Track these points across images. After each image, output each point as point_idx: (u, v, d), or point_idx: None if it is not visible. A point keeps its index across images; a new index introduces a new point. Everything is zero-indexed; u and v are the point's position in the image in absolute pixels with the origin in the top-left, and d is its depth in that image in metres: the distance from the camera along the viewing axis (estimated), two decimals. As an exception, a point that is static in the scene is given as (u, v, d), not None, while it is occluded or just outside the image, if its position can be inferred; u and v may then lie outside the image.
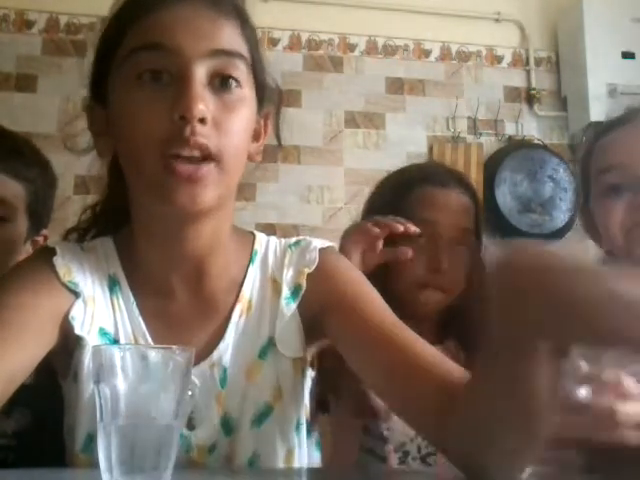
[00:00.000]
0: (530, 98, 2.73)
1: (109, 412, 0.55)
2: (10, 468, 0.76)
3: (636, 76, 2.46)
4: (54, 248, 0.76)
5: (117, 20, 0.72)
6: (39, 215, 1.11)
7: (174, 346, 0.56)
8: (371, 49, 2.70)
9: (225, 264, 0.77)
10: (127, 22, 0.70)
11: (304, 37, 2.66)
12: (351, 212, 2.54)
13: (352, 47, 2.69)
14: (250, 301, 0.78)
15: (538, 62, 2.78)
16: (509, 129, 2.69)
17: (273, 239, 0.85)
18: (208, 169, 0.66)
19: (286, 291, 0.78)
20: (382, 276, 1.03)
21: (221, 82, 0.69)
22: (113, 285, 0.76)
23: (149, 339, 0.74)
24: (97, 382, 0.56)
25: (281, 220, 2.50)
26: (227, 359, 0.75)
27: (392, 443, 0.98)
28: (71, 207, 2.36)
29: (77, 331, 0.72)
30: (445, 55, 2.74)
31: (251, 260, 0.80)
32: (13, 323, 0.67)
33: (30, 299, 0.70)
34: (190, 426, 0.73)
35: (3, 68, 2.45)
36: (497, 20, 2.79)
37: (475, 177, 2.57)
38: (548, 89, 2.75)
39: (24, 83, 2.46)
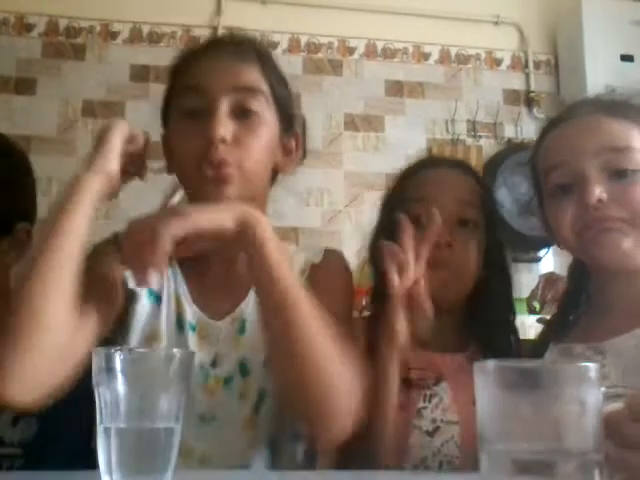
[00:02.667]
0: (529, 101, 2.73)
1: (109, 414, 0.55)
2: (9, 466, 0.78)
3: (635, 78, 2.46)
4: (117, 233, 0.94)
5: (173, 66, 0.98)
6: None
7: (175, 349, 0.56)
8: (370, 52, 2.71)
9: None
10: (178, 68, 0.96)
11: (303, 40, 2.67)
12: (350, 215, 2.54)
13: (351, 50, 2.70)
14: None
15: (537, 65, 2.79)
16: (508, 132, 2.70)
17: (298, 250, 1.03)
18: (228, 172, 0.85)
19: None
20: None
21: (242, 111, 0.88)
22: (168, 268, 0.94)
23: (189, 297, 0.94)
24: (97, 385, 0.55)
25: (280, 223, 2.49)
26: (247, 315, 0.93)
27: (411, 460, 0.94)
28: (71, 210, 2.36)
29: (130, 285, 0.88)
30: (444, 58, 2.75)
31: None
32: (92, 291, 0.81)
33: (100, 268, 0.85)
34: (213, 364, 0.91)
35: (3, 71, 2.46)
36: (496, 23, 2.79)
37: (474, 180, 2.58)
38: (547, 92, 2.75)
39: (24, 86, 2.46)
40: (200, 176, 0.86)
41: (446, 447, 0.94)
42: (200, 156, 0.86)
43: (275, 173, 0.97)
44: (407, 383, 0.95)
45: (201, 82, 0.89)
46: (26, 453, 0.92)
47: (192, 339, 0.92)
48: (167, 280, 0.95)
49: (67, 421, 0.89)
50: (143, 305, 0.92)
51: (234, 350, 0.92)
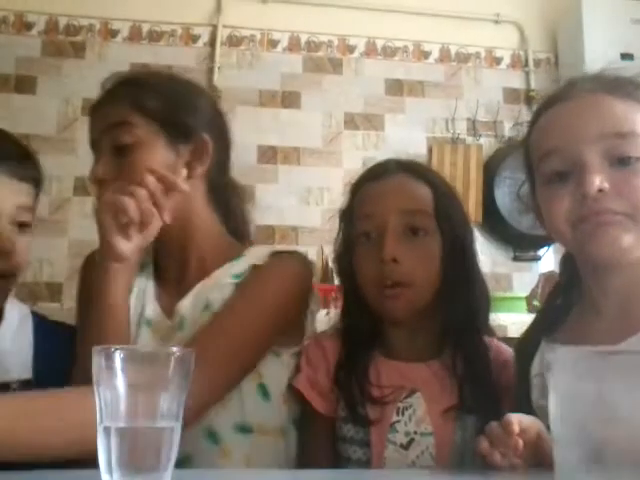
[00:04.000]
0: (529, 99, 2.73)
1: (109, 414, 0.54)
2: (10, 466, 0.77)
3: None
4: None
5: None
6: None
7: (175, 348, 0.56)
8: (370, 51, 2.71)
9: (204, 258, 1.03)
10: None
11: (303, 39, 2.66)
12: (351, 213, 2.54)
13: (351, 49, 2.70)
14: (213, 278, 1.01)
15: (537, 63, 2.79)
16: (508, 130, 2.70)
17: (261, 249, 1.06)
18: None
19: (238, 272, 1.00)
20: (357, 294, 1.00)
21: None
22: (145, 267, 1.07)
23: (152, 294, 1.03)
24: (97, 384, 0.55)
25: (280, 222, 2.50)
26: (185, 311, 0.99)
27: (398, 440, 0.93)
28: (71, 209, 2.36)
29: None
30: (444, 57, 2.75)
31: (234, 259, 1.02)
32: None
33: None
34: None
35: (2, 70, 2.46)
36: (496, 22, 2.79)
37: (475, 178, 2.58)
38: (547, 90, 2.74)
39: (23, 85, 2.46)
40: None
41: (421, 459, 0.91)
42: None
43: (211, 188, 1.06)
44: (380, 401, 0.93)
45: (92, 137, 1.01)
46: None
47: (145, 334, 0.98)
48: (139, 276, 1.03)
49: None
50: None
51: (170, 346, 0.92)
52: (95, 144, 1.00)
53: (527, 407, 0.85)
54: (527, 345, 0.92)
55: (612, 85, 0.84)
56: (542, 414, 0.85)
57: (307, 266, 1.03)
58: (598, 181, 0.78)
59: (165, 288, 1.04)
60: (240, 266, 1.00)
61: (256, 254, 1.02)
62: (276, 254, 1.01)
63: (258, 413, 0.96)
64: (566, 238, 0.84)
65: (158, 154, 0.97)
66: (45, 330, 1.06)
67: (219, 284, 0.98)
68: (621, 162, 0.80)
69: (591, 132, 0.80)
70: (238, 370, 0.92)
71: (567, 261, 0.94)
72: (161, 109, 0.99)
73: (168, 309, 1.01)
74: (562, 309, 0.92)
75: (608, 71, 0.87)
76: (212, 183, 1.04)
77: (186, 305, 0.99)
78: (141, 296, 1.02)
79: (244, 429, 0.95)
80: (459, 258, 0.97)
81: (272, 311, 0.95)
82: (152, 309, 1.01)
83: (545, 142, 0.86)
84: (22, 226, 1.00)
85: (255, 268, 0.98)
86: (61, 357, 0.92)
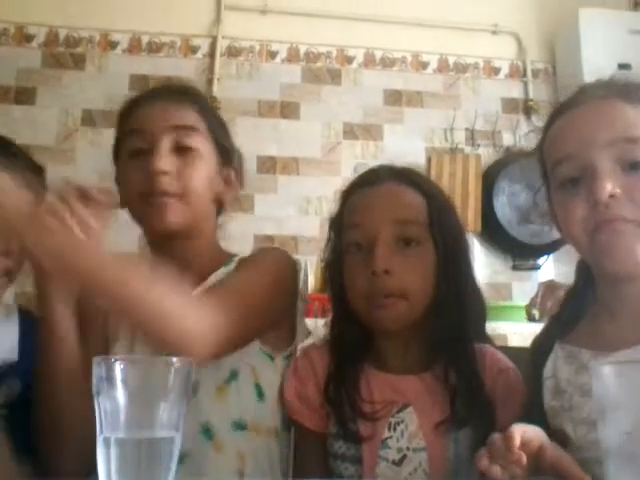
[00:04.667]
0: (528, 109, 2.74)
1: (109, 424, 0.54)
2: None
3: (633, 87, 2.47)
4: None
5: (120, 112, 1.07)
6: None
7: (174, 358, 0.56)
8: (369, 61, 2.72)
9: (197, 265, 1.03)
10: (123, 113, 1.06)
11: (302, 50, 2.68)
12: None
13: (350, 59, 2.71)
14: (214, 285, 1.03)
15: (535, 73, 2.80)
16: (507, 140, 2.70)
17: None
18: (169, 201, 0.97)
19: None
20: (346, 307, 0.97)
21: (181, 148, 1.00)
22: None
23: None
24: (97, 394, 0.55)
25: (279, 231, 2.50)
26: None
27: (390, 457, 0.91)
28: (70, 219, 2.36)
29: None
30: (443, 67, 2.76)
31: (225, 264, 1.05)
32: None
33: None
34: None
35: (3, 81, 2.47)
36: (494, 32, 2.81)
37: (474, 188, 2.58)
38: (545, 100, 2.76)
39: (23, 96, 2.47)
40: (145, 207, 0.97)
41: (415, 475, 0.89)
42: (144, 188, 0.97)
43: (220, 205, 1.08)
44: (371, 417, 0.91)
45: (142, 126, 1.01)
46: (11, 414, 0.92)
47: (141, 339, 0.97)
48: None
49: None
50: None
51: None
52: (147, 135, 1.00)
53: (538, 408, 0.86)
54: (541, 347, 0.91)
55: (623, 91, 0.83)
56: (553, 414, 0.85)
57: (291, 258, 1.06)
58: (609, 187, 0.77)
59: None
60: (231, 267, 1.04)
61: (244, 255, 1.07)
62: (262, 248, 1.13)
63: (253, 412, 0.97)
64: (582, 247, 0.83)
65: (212, 168, 1.04)
66: (32, 322, 1.02)
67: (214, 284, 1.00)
68: (633, 167, 0.79)
69: (602, 138, 0.80)
70: (251, 321, 0.93)
71: (582, 266, 0.93)
72: (217, 129, 1.06)
73: None
74: (576, 312, 0.91)
75: (618, 77, 0.87)
76: None
77: None
78: None
79: (239, 426, 0.96)
80: (453, 269, 0.94)
81: (269, 278, 0.99)
82: None
83: (557, 149, 0.85)
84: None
85: (244, 258, 1.05)
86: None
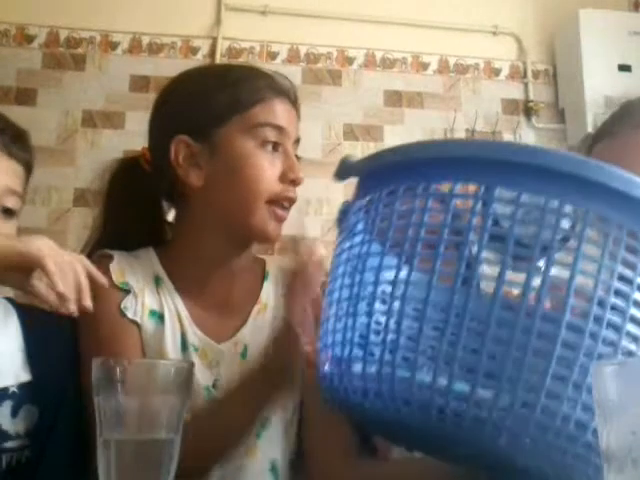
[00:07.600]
0: (528, 110, 2.74)
1: (109, 426, 0.54)
2: (25, 469, 0.78)
3: (632, 88, 2.47)
4: (112, 255, 0.98)
5: (239, 91, 0.98)
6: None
7: (176, 360, 0.56)
8: (369, 62, 2.72)
9: (245, 277, 1.04)
10: (256, 99, 0.98)
11: (303, 50, 2.68)
12: (350, 224, 2.54)
13: (350, 60, 2.71)
14: (266, 305, 1.04)
15: (536, 75, 2.80)
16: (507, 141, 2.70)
17: (273, 261, 1.13)
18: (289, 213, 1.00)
19: None
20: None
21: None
22: (158, 280, 0.99)
23: (189, 318, 0.96)
24: (97, 395, 0.55)
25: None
26: (248, 340, 0.98)
27: None
28: (71, 219, 2.36)
29: (130, 316, 0.93)
30: (443, 68, 2.76)
31: (265, 277, 1.07)
32: None
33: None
34: (214, 386, 0.94)
35: (3, 82, 2.46)
36: (494, 33, 2.80)
37: (474, 189, 2.58)
38: (546, 101, 2.76)
39: (24, 97, 2.47)
40: (267, 210, 0.95)
41: None
42: (281, 191, 0.96)
43: None
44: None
45: (285, 124, 0.99)
46: (34, 443, 0.86)
47: (195, 360, 0.92)
48: (166, 300, 0.97)
49: (68, 403, 0.90)
50: (146, 326, 0.93)
51: (237, 374, 0.94)
52: (284, 137, 1.00)
53: None
54: None
55: None
56: None
57: None
58: None
59: (200, 310, 0.98)
60: (270, 281, 1.06)
61: (275, 274, 1.07)
62: None
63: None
64: None
65: None
66: (32, 322, 0.95)
67: (269, 319, 1.02)
68: None
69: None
70: None
71: None
72: None
73: (214, 333, 0.97)
74: None
75: None
76: None
77: (247, 333, 0.99)
78: (177, 319, 0.96)
79: (292, 465, 0.96)
80: None
81: None
82: (192, 332, 0.96)
83: None
84: (7, 212, 0.87)
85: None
86: (55, 348, 0.91)
